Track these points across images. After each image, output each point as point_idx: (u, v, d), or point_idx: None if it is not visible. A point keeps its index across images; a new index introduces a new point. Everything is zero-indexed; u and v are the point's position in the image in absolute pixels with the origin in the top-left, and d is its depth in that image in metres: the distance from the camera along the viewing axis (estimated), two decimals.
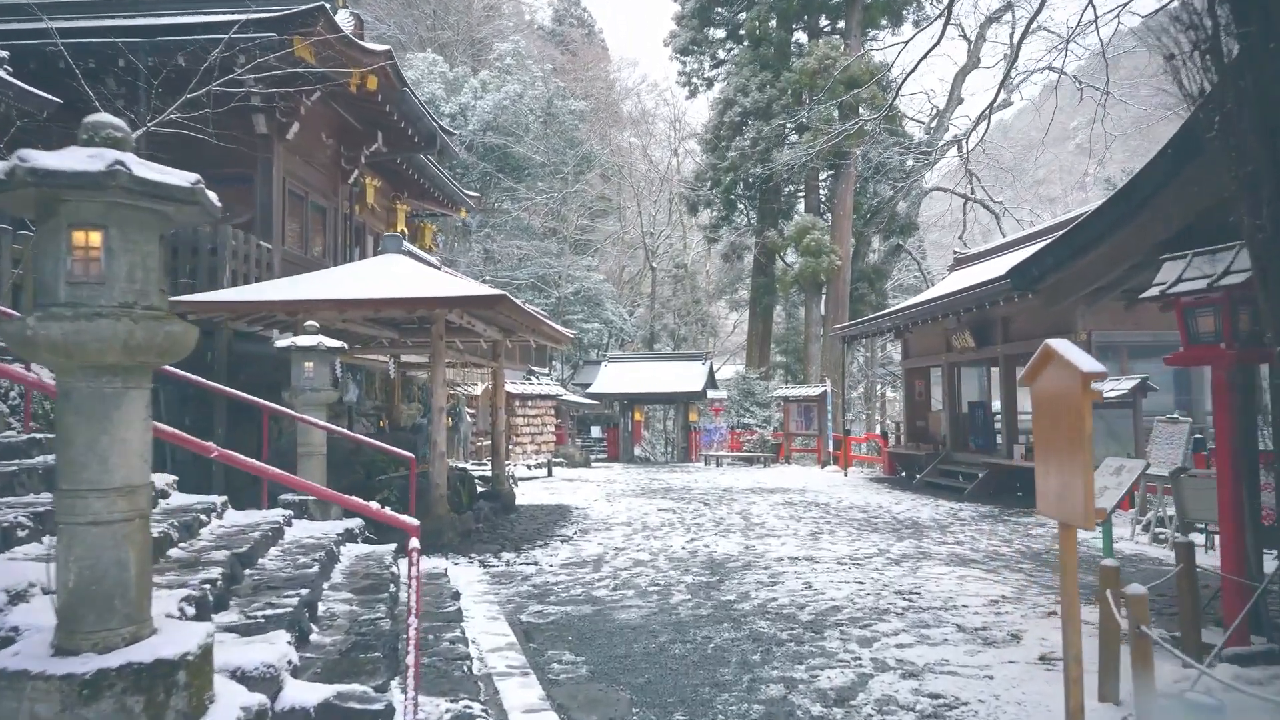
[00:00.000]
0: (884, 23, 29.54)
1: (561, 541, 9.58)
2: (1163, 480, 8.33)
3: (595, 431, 28.59)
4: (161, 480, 6.01)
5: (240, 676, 3.18)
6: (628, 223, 42.03)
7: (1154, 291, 4.61)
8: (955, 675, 4.57)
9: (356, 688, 3.60)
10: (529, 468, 20.02)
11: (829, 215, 29.76)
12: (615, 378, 26.74)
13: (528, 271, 31.26)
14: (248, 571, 5.07)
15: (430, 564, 7.68)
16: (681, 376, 26.01)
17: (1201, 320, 4.41)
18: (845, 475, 19.13)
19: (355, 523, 7.21)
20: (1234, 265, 4.09)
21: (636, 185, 41.11)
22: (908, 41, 26.06)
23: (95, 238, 2.45)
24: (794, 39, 30.95)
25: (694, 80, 34.67)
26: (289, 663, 3.47)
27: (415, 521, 3.59)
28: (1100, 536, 7.40)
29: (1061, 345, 3.17)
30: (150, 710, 2.39)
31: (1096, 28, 9.64)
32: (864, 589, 6.94)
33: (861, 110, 23.89)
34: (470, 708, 4.03)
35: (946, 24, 16.29)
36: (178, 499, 6.11)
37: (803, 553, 8.76)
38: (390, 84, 11.31)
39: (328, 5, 9.53)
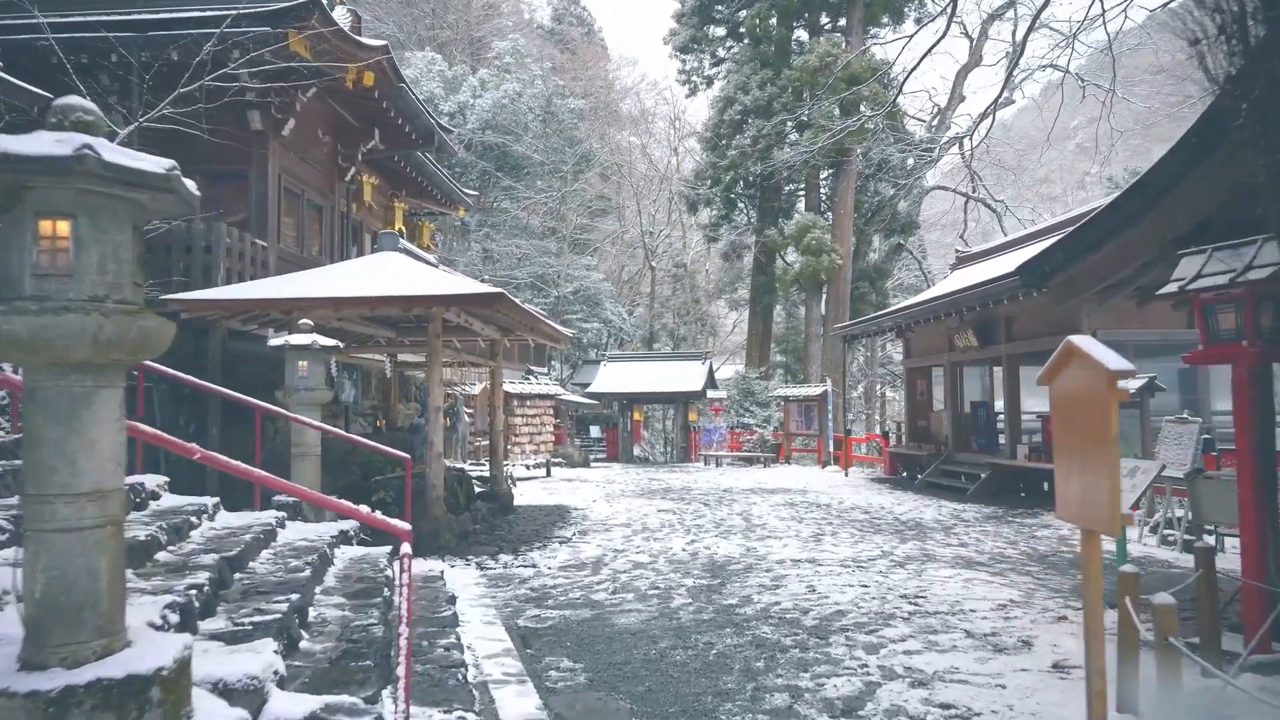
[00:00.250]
0: (885, 20, 29.41)
1: (560, 543, 9.43)
2: (1173, 482, 8.19)
3: (594, 431, 28.46)
4: (152, 481, 5.89)
5: (222, 689, 3.04)
6: (627, 222, 41.89)
7: (1172, 287, 4.47)
8: (966, 684, 4.42)
9: (345, 699, 3.46)
10: (528, 468, 19.88)
11: (830, 214, 29.63)
12: (614, 377, 26.61)
13: (527, 271, 31.12)
14: (238, 576, 4.93)
15: (426, 566, 7.54)
16: (681, 376, 25.88)
17: (1222, 317, 4.27)
18: (846, 475, 18.99)
19: (350, 524, 7.06)
20: (1257, 260, 3.95)
21: (636, 184, 40.98)
22: (910, 38, 25.96)
23: (63, 227, 2.31)
24: (795, 37, 30.82)
25: (694, 78, 34.54)
26: (275, 673, 3.33)
27: (406, 526, 3.44)
28: (1113, 540, 7.25)
29: (1085, 342, 3.03)
30: None
31: (1104, 21, 9.51)
32: (869, 592, 6.80)
33: (863, 108, 23.75)
34: (465, 719, 3.89)
35: (950, 20, 16.14)
36: (168, 500, 5.97)
37: (805, 555, 8.62)
38: (387, 80, 11.17)
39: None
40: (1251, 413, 4.27)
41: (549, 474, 19.61)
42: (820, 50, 26.36)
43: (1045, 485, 13.40)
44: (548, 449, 22.78)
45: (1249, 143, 3.19)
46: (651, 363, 27.87)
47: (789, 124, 27.24)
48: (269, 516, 6.42)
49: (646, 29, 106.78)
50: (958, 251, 21.10)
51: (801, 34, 30.95)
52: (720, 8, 32.23)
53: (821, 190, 31.20)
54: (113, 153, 2.29)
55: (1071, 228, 8.82)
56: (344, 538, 7.07)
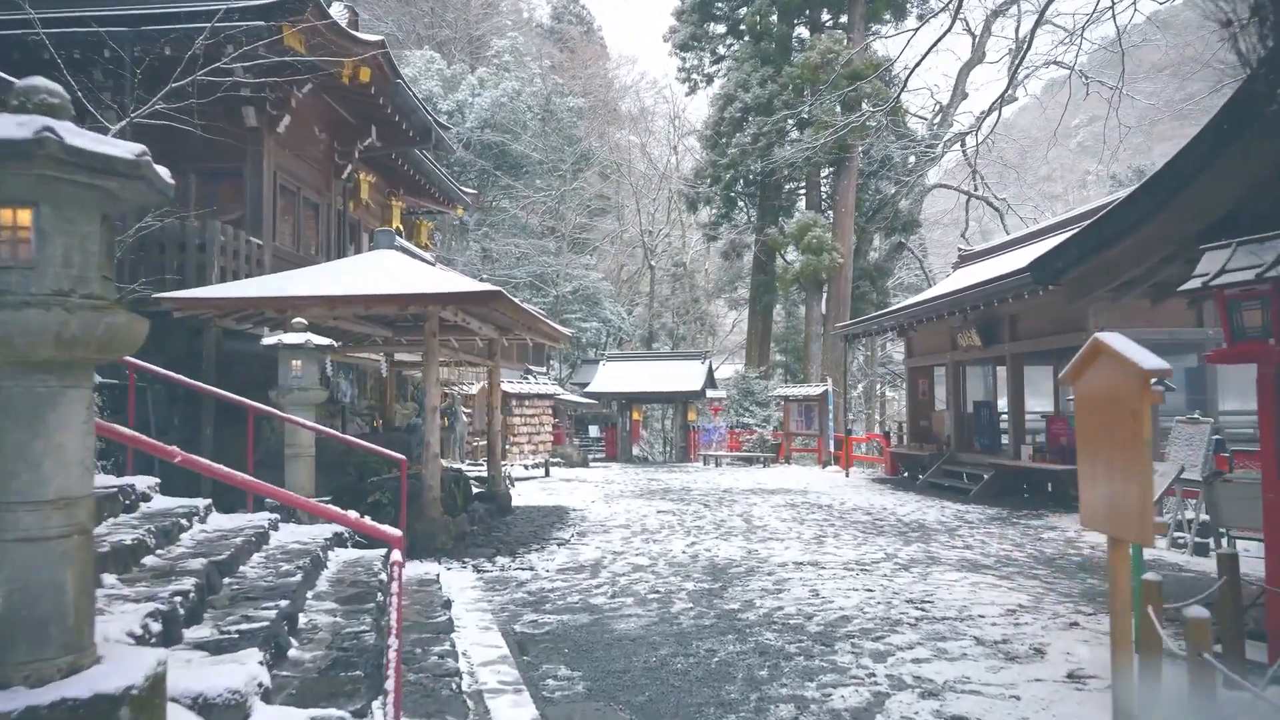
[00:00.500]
0: (887, 17, 29.25)
1: (558, 545, 9.29)
2: (1183, 483, 8.04)
3: (593, 431, 28.31)
4: (143, 483, 5.74)
5: (202, 705, 2.89)
6: (626, 221, 41.75)
7: (1195, 283, 4.31)
8: (979, 695, 4.27)
9: (333, 712, 3.31)
10: (526, 468, 19.73)
11: (830, 212, 29.48)
12: (613, 377, 26.46)
13: (526, 270, 30.97)
14: (227, 581, 4.79)
15: (422, 569, 7.40)
16: (680, 376, 25.74)
17: (1248, 314, 4.11)
18: (847, 476, 18.84)
19: None
20: None
21: (635, 183, 40.83)
22: (913, 34, 25.77)
23: (24, 216, 2.16)
24: (795, 34, 30.67)
25: (694, 76, 34.37)
26: (259, 685, 3.18)
27: (397, 532, 3.29)
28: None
29: (1115, 339, 2.88)
30: None
31: (1113, 15, 9.36)
32: (874, 597, 6.65)
33: (865, 105, 23.59)
34: None
35: (955, 18, 15.96)
36: (159, 503, 5.83)
37: (807, 557, 8.47)
38: (383, 75, 11.01)
39: None
40: (1277, 413, 4.12)
41: (548, 474, 19.46)
42: (822, 47, 26.20)
43: (1049, 486, 13.26)
44: (546, 449, 22.63)
45: None
46: (651, 362, 27.72)
47: (790, 121, 27.07)
48: (261, 519, 6.28)
49: (646, 27, 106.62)
50: (960, 250, 20.95)
51: (802, 31, 30.80)
52: (720, 5, 32.07)
53: (822, 188, 31.05)
54: (77, 136, 2.14)
55: (1078, 225, 8.68)
56: (338, 540, 6.92)
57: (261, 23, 8.68)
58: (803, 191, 31.72)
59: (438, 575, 7.09)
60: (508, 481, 14.57)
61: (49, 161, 2.09)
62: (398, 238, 11.03)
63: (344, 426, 12.24)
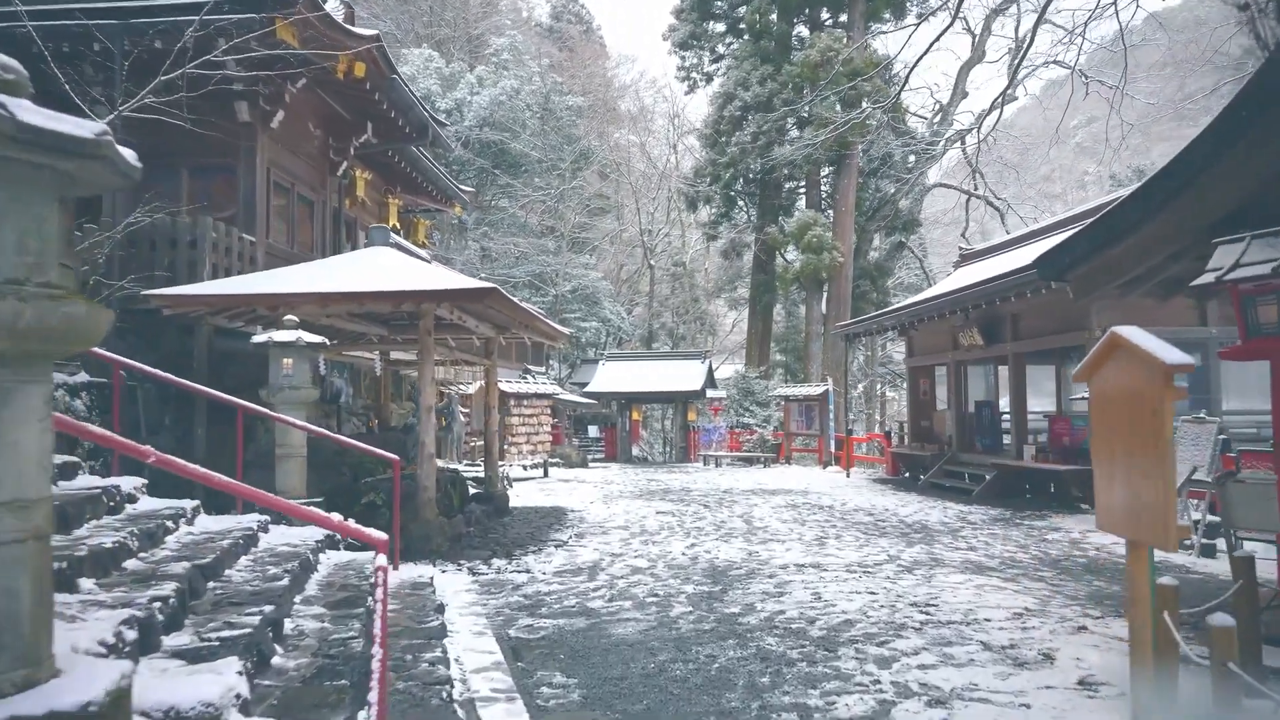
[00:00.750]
0: (887, 16, 29.13)
1: (556, 547, 9.14)
2: (1189, 484, 7.91)
3: (592, 431, 28.17)
4: (128, 484, 5.60)
5: (173, 718, 2.75)
6: (626, 220, 41.62)
7: (1208, 278, 4.16)
8: (988, 703, 4.13)
9: None
10: (525, 468, 19.59)
11: (830, 211, 29.35)
12: (613, 377, 26.31)
13: (525, 269, 30.83)
14: (211, 585, 4.64)
15: (416, 572, 7.26)
16: (680, 375, 25.59)
17: (1263, 310, 3.97)
18: (848, 476, 18.70)
19: None
20: None
21: (635, 182, 40.70)
22: (914, 30, 25.66)
23: None
24: (795, 32, 30.58)
25: (693, 75, 34.26)
26: (236, 697, 3.03)
27: (382, 536, 3.14)
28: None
29: (1134, 333, 2.73)
30: None
31: (1116, 11, 9.22)
32: (877, 600, 6.51)
33: (865, 103, 23.47)
34: None
35: (955, 16, 15.83)
36: (145, 504, 5.68)
37: (809, 559, 8.33)
38: (379, 70, 10.86)
39: None
40: None
41: (546, 474, 19.31)
42: (822, 45, 26.07)
43: (1052, 487, 13.13)
44: (545, 449, 22.48)
45: None
46: (650, 362, 27.58)
47: (790, 120, 26.93)
48: (251, 520, 6.14)
49: (645, 26, 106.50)
50: (961, 249, 20.82)
51: (802, 29, 30.69)
52: (720, 3, 31.96)
53: (822, 187, 30.93)
54: (30, 114, 1.99)
55: (1079, 224, 8.54)
56: (330, 542, 6.77)
57: (253, 15, 8.53)
58: (803, 190, 31.60)
59: (431, 578, 6.95)
60: (505, 482, 14.43)
61: (1, 140, 1.94)
62: (393, 235, 10.88)
63: (340, 426, 12.10)
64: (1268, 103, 3.65)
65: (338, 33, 9.72)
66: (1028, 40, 14.69)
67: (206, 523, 5.91)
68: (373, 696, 2.80)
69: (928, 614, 6.04)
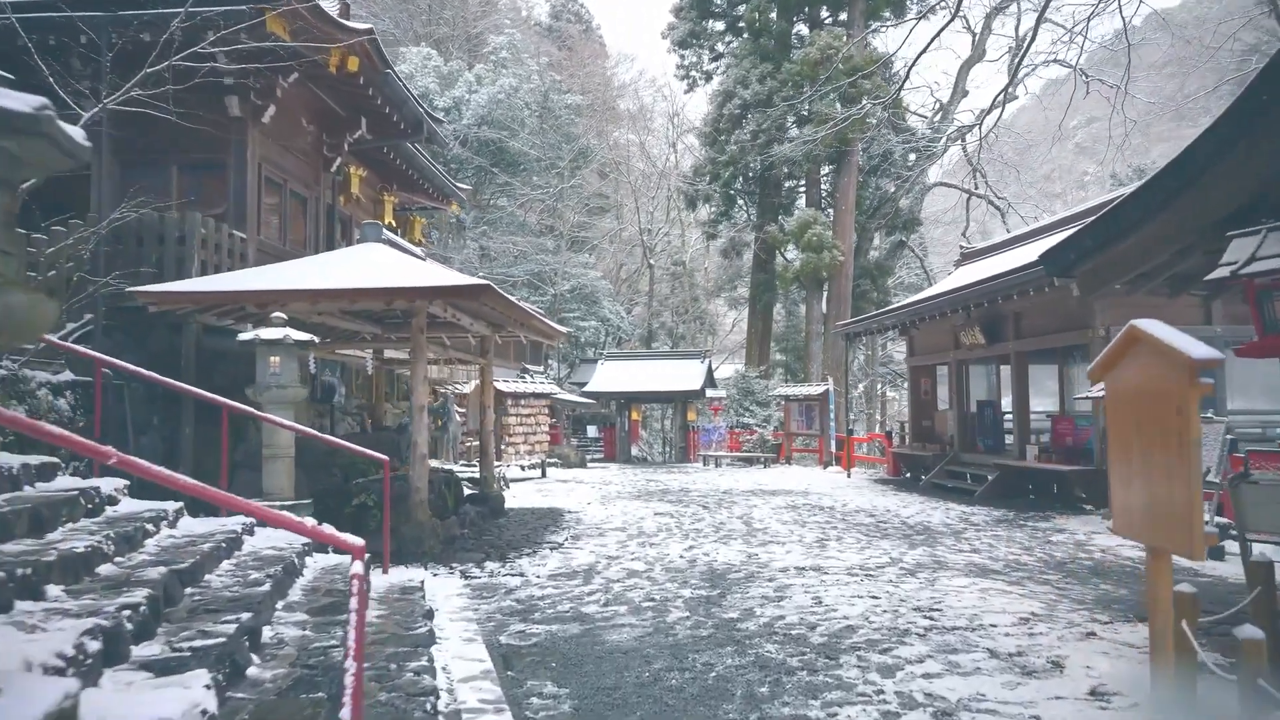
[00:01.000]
0: (887, 14, 28.95)
1: (551, 549, 8.97)
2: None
3: (591, 431, 28.00)
4: (109, 485, 5.43)
5: None
6: (625, 219, 41.45)
7: (1223, 272, 3.99)
8: (996, 715, 3.95)
9: None
10: (522, 468, 19.42)
11: (830, 210, 29.18)
12: (612, 376, 26.14)
13: (524, 269, 30.67)
14: (189, 591, 4.47)
15: (407, 575, 7.08)
16: (679, 375, 25.43)
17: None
18: (848, 476, 18.53)
19: (325, 529, 6.58)
20: None
21: (634, 181, 40.53)
22: (913, 28, 25.51)
23: None
24: (795, 30, 30.42)
25: (692, 73, 34.11)
26: (201, 713, 2.86)
27: (358, 541, 2.97)
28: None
29: (1155, 327, 2.57)
30: None
31: (1119, 7, 9.06)
32: (879, 605, 6.34)
33: (865, 101, 23.31)
34: None
35: (955, 14, 15.65)
36: (126, 506, 5.51)
37: (809, 562, 8.15)
38: (372, 64, 10.69)
39: None
40: None
41: (544, 475, 19.14)
42: (821, 43, 25.91)
43: (1055, 487, 12.96)
44: (543, 449, 22.30)
45: None
46: (650, 361, 27.41)
47: (789, 117, 26.75)
48: (235, 523, 5.96)
49: (645, 24, 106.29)
50: (961, 248, 20.65)
51: (802, 28, 30.53)
52: (719, 1, 31.78)
53: (822, 186, 30.77)
54: None
55: (1081, 222, 8.36)
56: (318, 545, 6.60)
57: (241, 6, 8.36)
58: (803, 189, 31.44)
59: (422, 582, 6.77)
60: (501, 483, 14.26)
61: None
62: (386, 231, 10.71)
63: (333, 426, 11.93)
64: (1277, 95, 3.48)
65: (330, 26, 9.54)
66: (1028, 38, 14.52)
67: (189, 525, 5.73)
68: (345, 714, 2.62)
69: (931, 619, 5.87)
